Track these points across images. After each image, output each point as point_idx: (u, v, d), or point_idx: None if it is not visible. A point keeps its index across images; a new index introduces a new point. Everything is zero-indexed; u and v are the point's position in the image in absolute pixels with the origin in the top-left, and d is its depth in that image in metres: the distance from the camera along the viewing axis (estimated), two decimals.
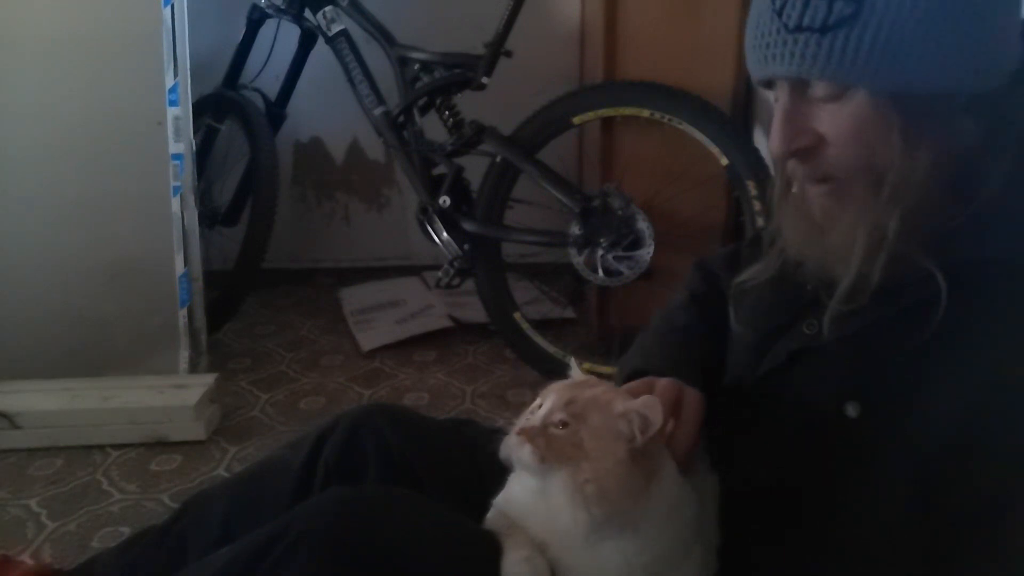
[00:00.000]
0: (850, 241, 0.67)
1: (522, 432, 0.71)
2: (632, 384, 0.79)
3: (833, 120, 0.65)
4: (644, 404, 0.69)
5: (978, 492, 0.63)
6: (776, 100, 0.70)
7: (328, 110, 2.46)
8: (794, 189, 0.73)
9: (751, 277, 0.82)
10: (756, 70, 0.69)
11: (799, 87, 0.66)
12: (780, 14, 0.63)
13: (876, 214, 0.65)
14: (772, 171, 0.83)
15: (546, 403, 0.73)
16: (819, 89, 0.65)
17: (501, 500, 0.80)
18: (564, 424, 0.70)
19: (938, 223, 0.65)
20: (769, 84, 0.70)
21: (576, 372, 0.81)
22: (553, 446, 0.70)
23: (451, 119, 1.98)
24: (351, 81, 2.05)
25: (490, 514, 0.80)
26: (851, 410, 0.69)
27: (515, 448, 0.71)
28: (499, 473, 0.92)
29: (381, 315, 2.35)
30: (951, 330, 0.64)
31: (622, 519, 0.69)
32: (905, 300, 0.67)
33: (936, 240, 0.65)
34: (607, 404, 0.71)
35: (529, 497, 0.75)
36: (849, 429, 0.70)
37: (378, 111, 2.03)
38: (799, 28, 0.62)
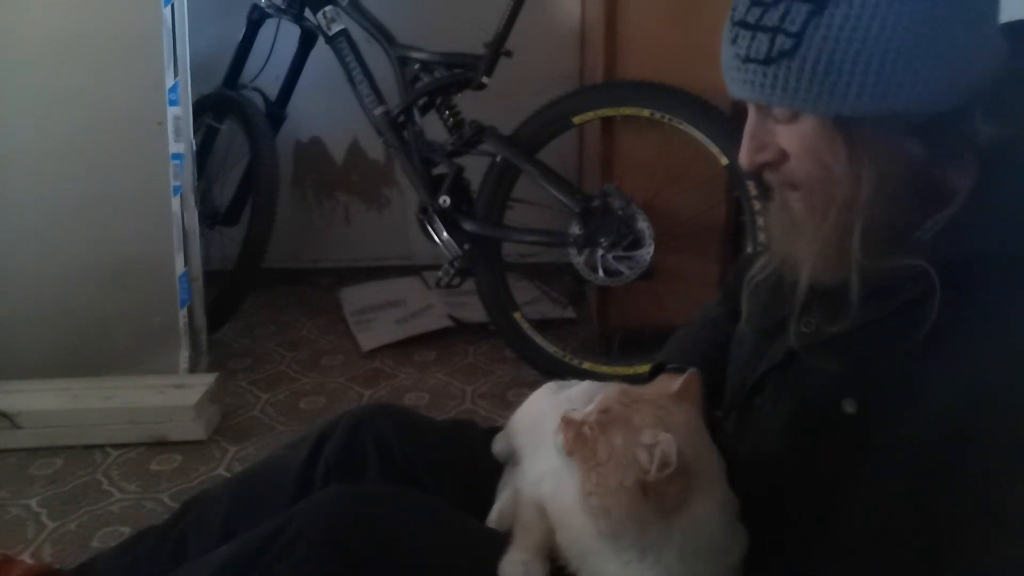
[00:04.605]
0: (808, 248, 0.72)
1: (564, 419, 0.73)
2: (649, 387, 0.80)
3: (790, 138, 0.71)
4: (665, 442, 0.67)
5: (974, 487, 0.64)
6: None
7: (328, 110, 2.46)
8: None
9: (758, 271, 0.84)
10: (728, 91, 0.74)
11: (762, 107, 0.71)
12: (734, 43, 0.69)
13: (831, 227, 0.69)
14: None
15: (595, 401, 0.74)
16: (776, 111, 0.70)
17: (529, 484, 0.80)
18: (592, 429, 0.71)
19: (912, 227, 0.69)
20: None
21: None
22: (577, 444, 0.71)
23: (451, 119, 1.98)
24: (351, 81, 2.05)
25: (505, 497, 0.80)
26: (849, 407, 0.70)
27: (555, 431, 0.73)
28: (498, 473, 0.92)
29: (381, 315, 2.34)
30: (946, 325, 0.65)
31: (631, 542, 0.69)
32: (900, 297, 0.68)
33: (923, 240, 0.67)
34: (636, 429, 0.70)
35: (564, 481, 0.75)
36: (847, 426, 0.70)
37: (378, 111, 2.03)
38: (748, 59, 0.67)
